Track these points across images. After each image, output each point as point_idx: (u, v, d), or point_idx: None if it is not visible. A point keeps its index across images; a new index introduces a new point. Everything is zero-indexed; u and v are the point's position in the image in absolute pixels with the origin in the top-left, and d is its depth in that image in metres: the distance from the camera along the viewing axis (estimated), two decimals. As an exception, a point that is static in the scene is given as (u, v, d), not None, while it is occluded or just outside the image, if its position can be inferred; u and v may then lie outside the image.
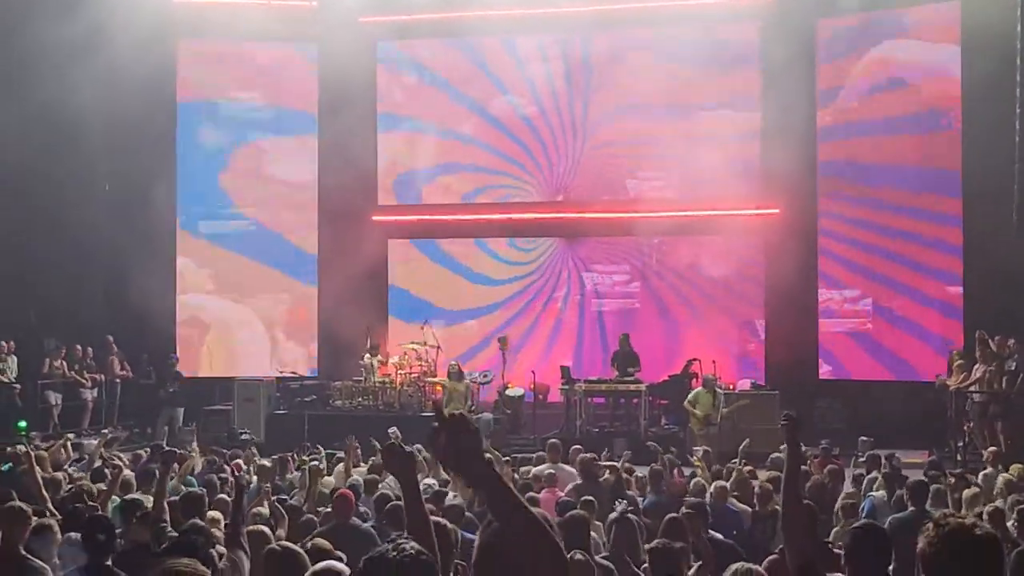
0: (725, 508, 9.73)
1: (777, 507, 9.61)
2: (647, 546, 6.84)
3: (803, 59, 20.64)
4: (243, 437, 17.89)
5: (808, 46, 20.86)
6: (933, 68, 20.18)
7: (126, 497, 8.53)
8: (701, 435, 16.75)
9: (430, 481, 11.06)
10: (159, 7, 20.86)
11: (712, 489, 10.12)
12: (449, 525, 4.84)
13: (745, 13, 21.45)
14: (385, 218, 22.81)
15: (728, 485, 10.49)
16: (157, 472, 8.45)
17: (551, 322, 22.52)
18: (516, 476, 11.59)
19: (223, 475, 11.18)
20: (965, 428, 16.92)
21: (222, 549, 6.27)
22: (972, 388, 16.87)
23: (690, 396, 17.56)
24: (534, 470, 11.95)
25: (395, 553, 2.80)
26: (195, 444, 15.58)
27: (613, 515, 7.61)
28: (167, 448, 10.21)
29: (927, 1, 20.03)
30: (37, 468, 9.59)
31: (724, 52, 21.56)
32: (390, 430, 12.50)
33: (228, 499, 9.25)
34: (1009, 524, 8.49)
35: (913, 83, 20.40)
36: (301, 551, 4.95)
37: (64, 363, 19.86)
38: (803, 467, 5.32)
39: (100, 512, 7.53)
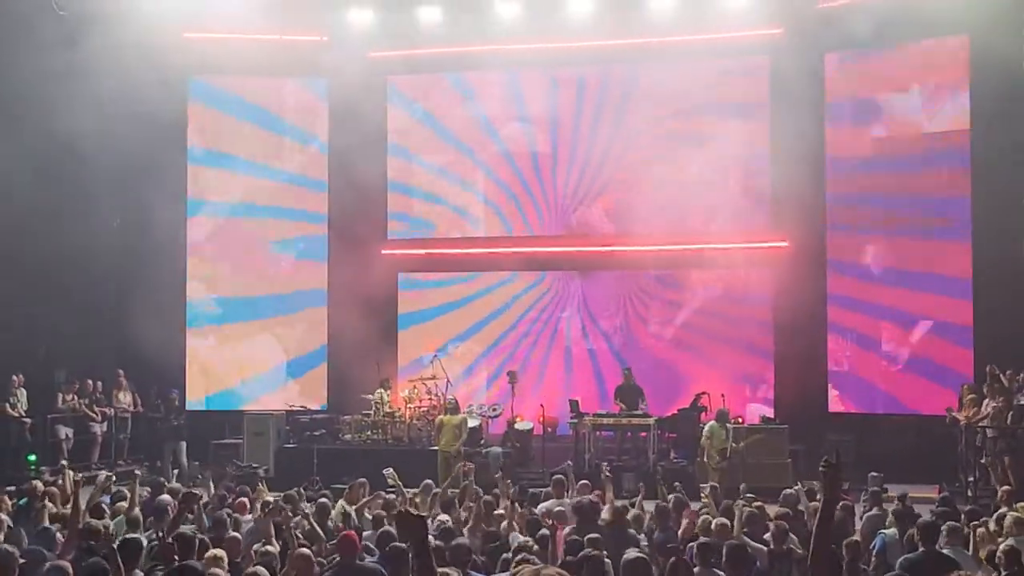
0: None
1: (793, 546, 9.61)
2: None
3: (812, 93, 20.66)
4: (249, 470, 17.79)
5: (817, 79, 20.88)
6: (941, 100, 20.21)
7: (125, 537, 8.49)
8: (716, 470, 16.67)
9: (443, 517, 11.03)
10: (173, 44, 21.00)
11: (714, 526, 10.06)
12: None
13: (754, 47, 21.49)
14: (394, 252, 22.86)
15: (735, 523, 10.44)
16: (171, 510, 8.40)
17: (560, 355, 22.50)
18: (527, 510, 11.51)
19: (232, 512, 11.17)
20: (984, 462, 16.83)
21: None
22: (983, 423, 16.81)
23: (705, 430, 17.43)
24: (541, 506, 11.92)
25: None
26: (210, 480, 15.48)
27: (627, 556, 7.60)
28: (189, 490, 10.18)
29: (935, 35, 20.05)
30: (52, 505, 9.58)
31: (733, 87, 21.66)
32: (385, 471, 12.41)
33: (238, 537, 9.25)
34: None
35: (922, 115, 20.43)
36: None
37: (75, 396, 19.87)
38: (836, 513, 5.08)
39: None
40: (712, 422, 17.51)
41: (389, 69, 22.90)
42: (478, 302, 22.92)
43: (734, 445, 17.21)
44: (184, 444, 19.67)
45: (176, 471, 17.15)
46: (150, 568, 7.84)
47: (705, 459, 17.20)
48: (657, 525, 10.63)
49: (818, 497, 11.50)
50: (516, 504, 11.97)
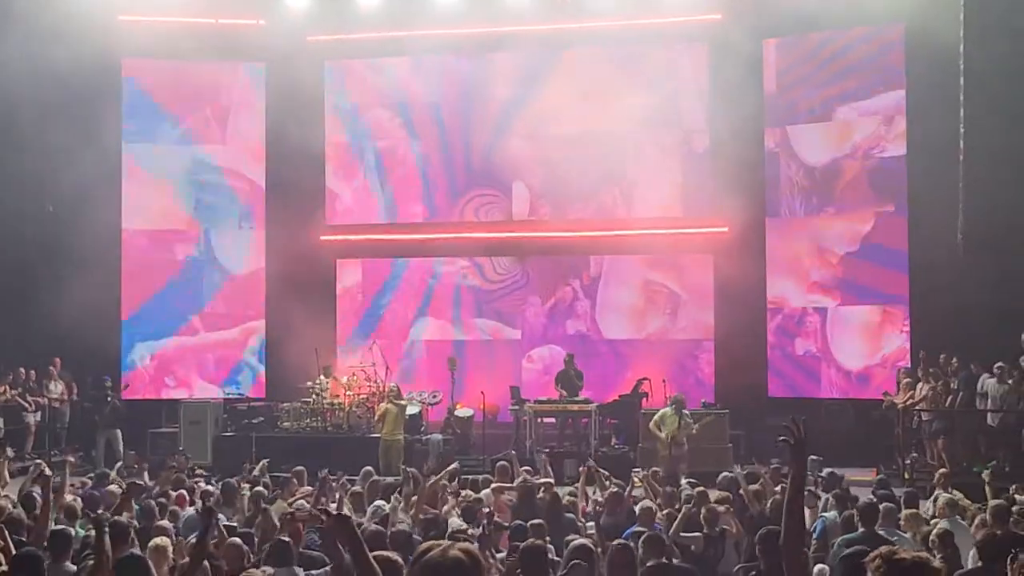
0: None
1: (726, 527, 9.66)
2: None
3: (750, 79, 20.77)
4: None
5: (755, 66, 20.98)
6: (877, 88, 20.41)
7: (55, 528, 8.30)
8: (664, 456, 16.44)
9: (379, 503, 10.99)
10: (107, 26, 20.64)
11: (639, 510, 10.11)
12: (398, 559, 4.74)
13: (694, 34, 21.55)
14: (333, 238, 22.69)
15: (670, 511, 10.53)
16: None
17: (500, 342, 22.45)
18: (469, 497, 11.47)
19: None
20: (926, 446, 17.05)
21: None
22: (918, 406, 17.05)
23: (656, 416, 17.09)
24: (483, 492, 11.88)
25: None
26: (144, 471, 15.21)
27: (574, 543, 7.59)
28: (132, 480, 9.99)
29: (870, 22, 20.22)
30: None
31: (673, 72, 21.73)
32: (320, 473, 12.31)
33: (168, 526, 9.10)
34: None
35: (859, 105, 20.62)
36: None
37: (7, 387, 19.49)
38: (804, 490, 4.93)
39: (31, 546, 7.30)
40: (666, 408, 17.17)
41: (327, 53, 22.66)
42: (415, 287, 22.81)
43: (693, 429, 17.00)
44: (119, 432, 19.37)
45: (118, 462, 16.89)
46: (84, 558, 7.67)
47: (658, 445, 16.98)
48: (605, 510, 10.60)
49: (784, 473, 11.56)
50: (453, 490, 12.00)
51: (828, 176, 20.86)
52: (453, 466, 13.07)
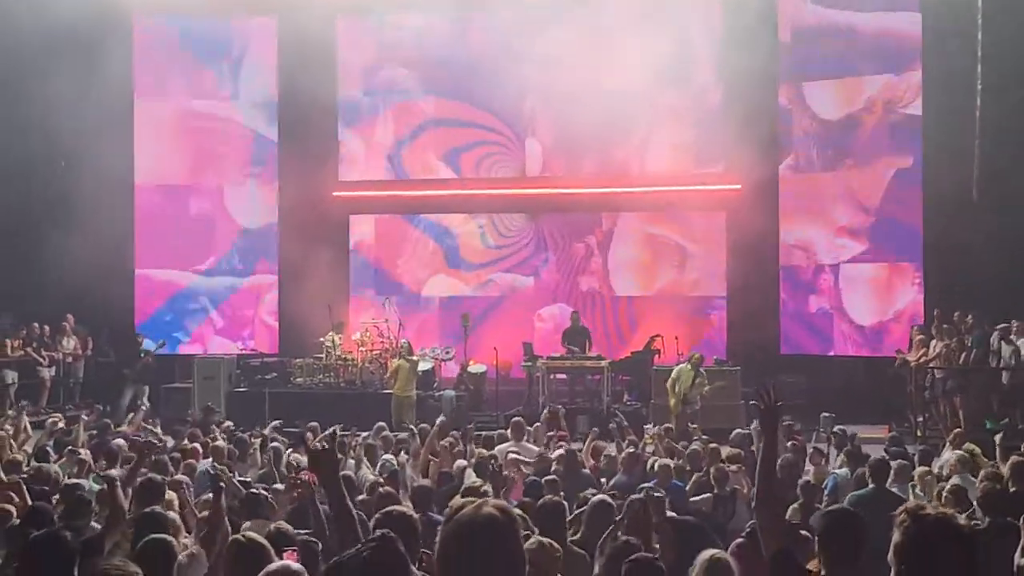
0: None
1: (736, 487, 9.66)
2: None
3: (765, 30, 20.56)
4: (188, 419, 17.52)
5: (770, 17, 20.77)
6: (894, 39, 20.22)
7: (67, 482, 8.35)
8: (678, 415, 16.40)
9: (388, 457, 11.03)
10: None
11: (656, 468, 10.12)
12: (412, 515, 4.75)
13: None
14: (345, 194, 22.63)
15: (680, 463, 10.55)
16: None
17: (514, 298, 22.44)
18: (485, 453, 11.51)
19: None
20: (938, 403, 17.01)
21: (185, 540, 6.16)
22: (932, 363, 17.00)
23: (672, 373, 17.07)
24: (497, 449, 11.90)
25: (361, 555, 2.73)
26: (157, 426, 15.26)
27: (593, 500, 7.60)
28: (147, 440, 10.01)
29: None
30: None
31: (685, 27, 21.48)
32: (308, 426, 12.25)
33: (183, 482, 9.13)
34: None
35: (874, 56, 20.43)
36: (266, 543, 4.82)
37: (22, 342, 19.59)
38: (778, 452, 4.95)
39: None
40: (683, 364, 17.17)
41: (339, 8, 22.45)
42: (431, 244, 22.79)
43: (705, 390, 17.02)
44: (147, 388, 19.48)
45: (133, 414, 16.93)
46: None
47: (669, 402, 17.03)
48: (622, 469, 10.60)
49: (791, 444, 11.60)
50: (471, 446, 12.03)
51: (843, 131, 20.71)
52: (440, 419, 13.08)
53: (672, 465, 10.31)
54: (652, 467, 10.37)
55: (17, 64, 19.57)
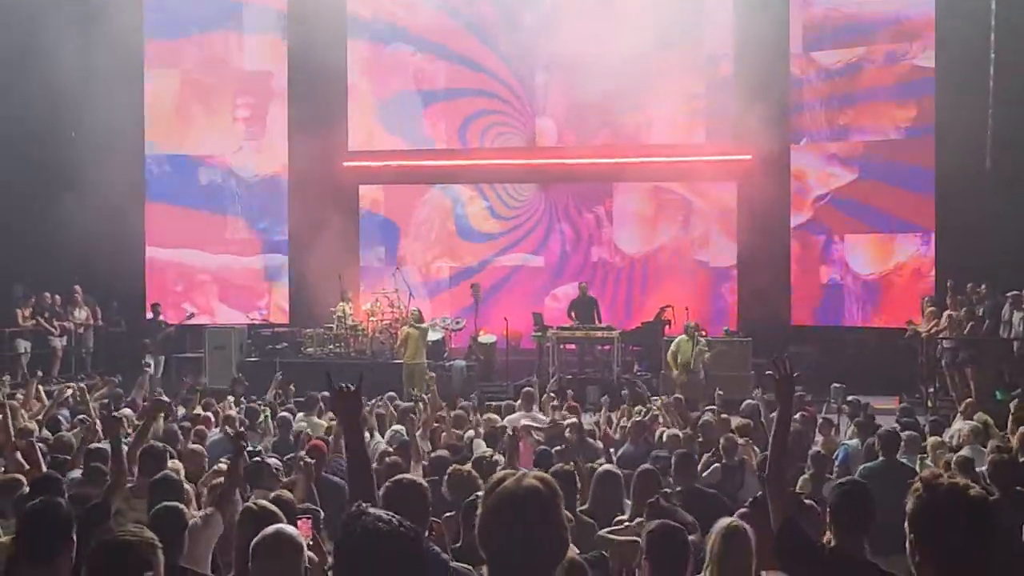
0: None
1: (745, 457, 9.66)
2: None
3: (775, 1, 20.47)
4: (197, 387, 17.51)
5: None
6: (907, 11, 20.09)
7: (89, 447, 8.38)
8: (682, 384, 16.50)
9: (398, 428, 11.02)
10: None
11: (665, 438, 10.13)
12: (423, 483, 4.75)
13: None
14: (355, 164, 22.60)
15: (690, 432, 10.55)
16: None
17: (524, 269, 22.42)
18: (495, 423, 11.53)
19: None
20: (948, 374, 16.96)
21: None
22: (942, 334, 16.94)
23: (672, 346, 17.34)
24: (507, 418, 11.90)
25: (366, 528, 2.71)
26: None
27: (600, 470, 7.62)
28: (160, 398, 10.01)
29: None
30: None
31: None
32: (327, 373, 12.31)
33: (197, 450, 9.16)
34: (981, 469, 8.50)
35: (886, 27, 20.31)
36: (278, 511, 4.83)
37: (33, 311, 19.64)
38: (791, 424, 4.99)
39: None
40: (682, 336, 17.44)
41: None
42: (442, 214, 22.76)
43: (706, 357, 17.05)
44: (163, 359, 19.59)
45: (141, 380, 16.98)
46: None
47: (673, 374, 17.11)
48: (629, 438, 10.62)
49: (807, 401, 11.58)
50: (477, 416, 12.05)
51: (854, 100, 20.60)
52: (434, 386, 13.10)
53: (681, 435, 10.32)
54: (661, 437, 10.39)
55: (24, 29, 19.48)
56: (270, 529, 3.98)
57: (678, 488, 7.71)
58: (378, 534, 2.69)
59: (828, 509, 4.75)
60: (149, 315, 20.15)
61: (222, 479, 6.52)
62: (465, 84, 22.55)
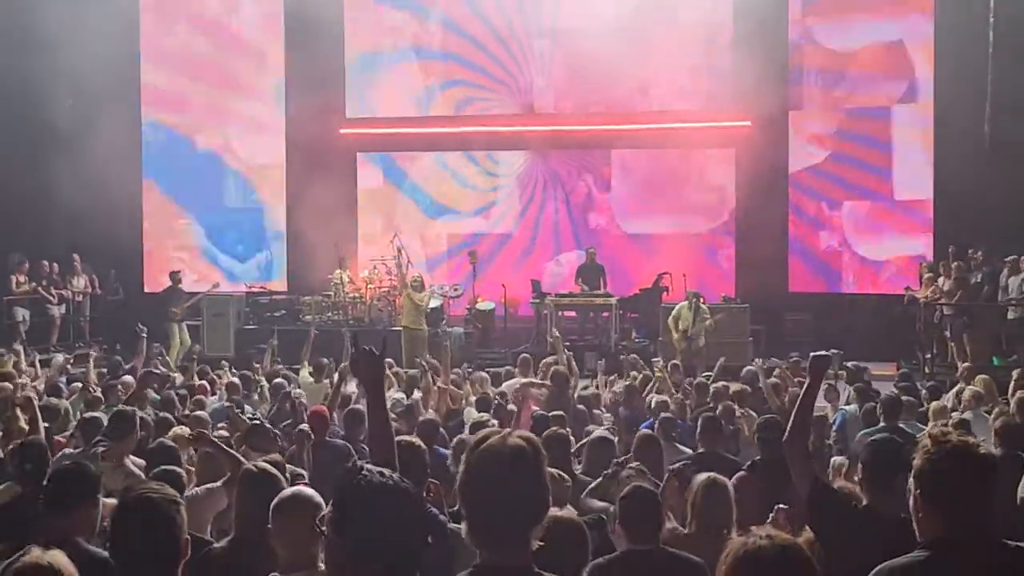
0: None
1: (743, 425, 9.67)
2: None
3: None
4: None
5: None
6: None
7: (85, 416, 8.39)
8: (682, 350, 16.47)
9: (398, 395, 11.01)
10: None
11: (654, 404, 10.14)
12: (421, 445, 4.76)
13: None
14: (353, 131, 22.52)
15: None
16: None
17: (521, 236, 22.38)
18: (492, 391, 11.54)
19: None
20: (946, 340, 16.96)
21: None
22: (940, 300, 16.94)
23: (673, 312, 17.27)
24: (505, 384, 11.91)
25: (365, 482, 2.70)
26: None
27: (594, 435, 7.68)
28: (148, 369, 10.01)
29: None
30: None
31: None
32: (344, 331, 12.26)
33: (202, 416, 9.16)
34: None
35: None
36: (277, 473, 4.83)
37: (27, 278, 19.59)
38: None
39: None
40: (683, 303, 17.36)
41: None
42: (439, 181, 22.70)
43: (709, 325, 17.05)
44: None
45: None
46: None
47: (673, 341, 17.07)
48: (624, 402, 10.65)
49: (798, 381, 11.55)
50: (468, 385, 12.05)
51: (853, 68, 20.51)
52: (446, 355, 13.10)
53: (670, 401, 10.33)
54: (650, 404, 10.38)
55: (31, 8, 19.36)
56: (289, 490, 4.04)
57: (700, 451, 7.79)
58: (378, 488, 2.69)
59: (860, 465, 4.80)
60: (168, 283, 19.87)
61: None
62: (462, 51, 22.42)
